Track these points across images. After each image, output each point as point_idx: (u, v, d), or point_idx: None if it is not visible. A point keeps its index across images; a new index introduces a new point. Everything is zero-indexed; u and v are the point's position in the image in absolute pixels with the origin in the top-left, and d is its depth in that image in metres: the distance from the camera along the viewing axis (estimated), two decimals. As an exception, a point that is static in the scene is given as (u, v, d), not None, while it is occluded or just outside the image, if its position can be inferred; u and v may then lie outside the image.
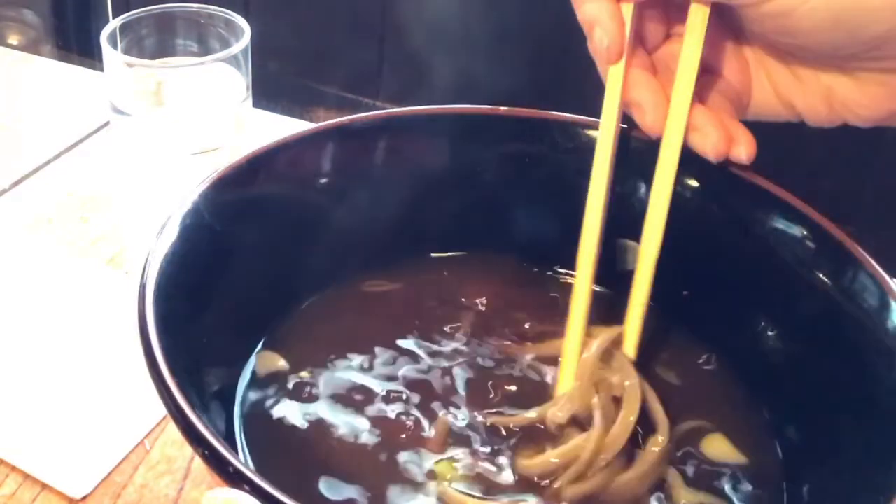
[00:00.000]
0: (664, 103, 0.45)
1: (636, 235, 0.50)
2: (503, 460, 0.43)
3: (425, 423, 0.44)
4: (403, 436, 0.44)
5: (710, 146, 0.45)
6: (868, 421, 0.41)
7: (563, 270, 0.53)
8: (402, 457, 0.43)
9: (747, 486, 0.43)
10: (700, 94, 0.46)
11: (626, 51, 0.45)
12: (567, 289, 0.49)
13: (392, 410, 0.45)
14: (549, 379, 0.47)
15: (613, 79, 0.45)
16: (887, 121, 0.44)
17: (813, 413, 0.44)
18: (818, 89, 0.44)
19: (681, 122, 0.45)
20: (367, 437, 0.44)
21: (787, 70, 0.45)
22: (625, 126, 0.49)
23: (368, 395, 0.45)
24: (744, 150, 0.45)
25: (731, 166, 0.47)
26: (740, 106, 0.47)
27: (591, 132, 0.50)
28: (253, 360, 0.47)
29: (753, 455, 0.44)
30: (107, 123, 0.73)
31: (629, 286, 0.51)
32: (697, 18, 0.44)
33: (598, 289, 0.51)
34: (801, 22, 0.40)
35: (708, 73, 0.47)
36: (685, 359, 0.49)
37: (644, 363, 0.48)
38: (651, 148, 0.49)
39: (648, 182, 0.49)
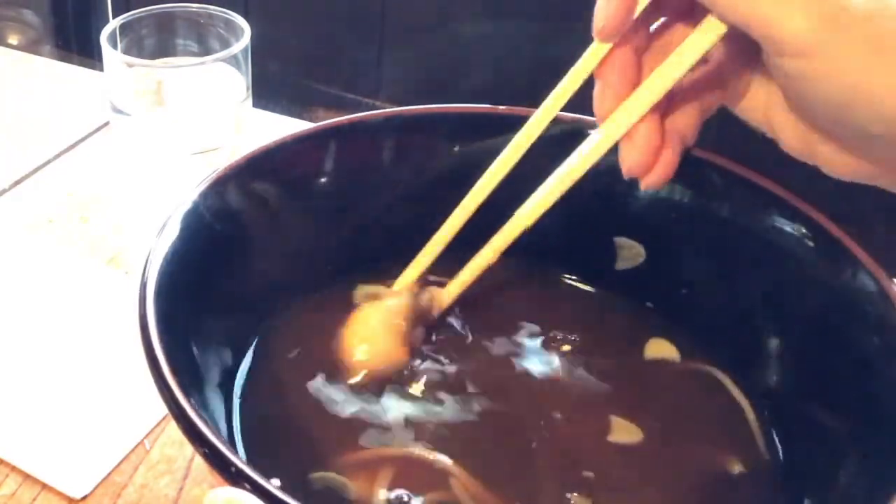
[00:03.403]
0: (624, 98, 0.44)
1: (633, 234, 0.51)
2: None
3: (423, 421, 0.44)
4: (402, 433, 0.44)
5: (628, 162, 0.44)
6: (868, 420, 0.41)
7: (561, 269, 0.53)
8: (404, 455, 0.43)
9: (747, 488, 0.43)
10: (686, 80, 0.44)
11: (622, 33, 0.43)
12: (570, 290, 0.49)
13: (393, 407, 0.45)
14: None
15: (595, 51, 0.44)
16: (855, 180, 0.43)
17: (812, 412, 0.44)
18: (802, 131, 0.43)
19: (625, 121, 0.43)
20: (368, 436, 0.44)
21: (783, 99, 0.43)
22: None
23: (368, 393, 0.45)
24: (653, 180, 0.44)
25: (731, 165, 0.48)
26: (731, 100, 0.45)
27: (590, 131, 0.50)
28: (253, 358, 0.47)
29: (752, 455, 0.44)
30: (107, 123, 0.73)
31: (627, 285, 0.51)
32: (706, 35, 0.41)
33: (594, 289, 0.52)
34: (812, 93, 0.39)
35: (710, 63, 0.45)
36: (682, 358, 0.49)
37: (642, 361, 0.48)
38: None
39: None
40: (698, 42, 0.41)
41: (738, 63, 0.44)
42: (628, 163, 0.44)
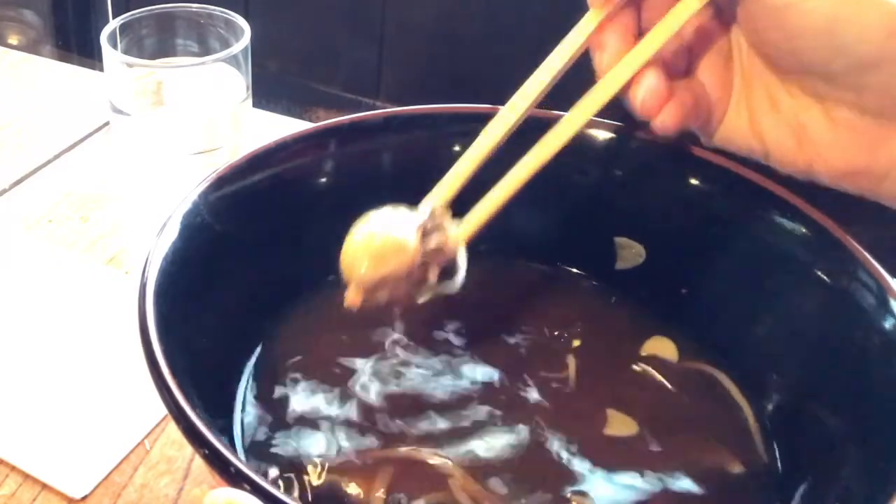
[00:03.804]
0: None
1: (634, 234, 0.51)
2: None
3: (423, 420, 0.44)
4: (402, 433, 0.44)
5: (639, 97, 0.44)
6: (868, 420, 0.41)
7: (561, 269, 0.53)
8: (402, 456, 0.43)
9: (745, 488, 0.43)
10: (672, 88, 0.45)
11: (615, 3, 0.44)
12: (570, 290, 0.49)
13: (391, 408, 0.45)
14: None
15: (589, 19, 0.45)
16: (850, 178, 0.44)
17: (812, 412, 0.44)
18: (792, 124, 0.44)
19: (630, 67, 0.44)
20: (368, 435, 0.44)
21: (766, 98, 0.45)
22: (623, 124, 0.49)
23: (368, 393, 0.45)
24: (666, 118, 0.45)
25: (731, 165, 0.48)
26: (710, 121, 0.46)
27: (590, 131, 0.50)
28: (253, 358, 0.47)
29: (751, 455, 0.44)
30: (107, 123, 0.73)
31: (627, 285, 0.51)
32: None
33: (594, 288, 0.52)
34: (798, 20, 0.40)
35: (690, 77, 0.46)
36: (682, 357, 0.49)
37: (642, 360, 0.48)
38: (648, 147, 0.49)
39: (646, 181, 0.50)
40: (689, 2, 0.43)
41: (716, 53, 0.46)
42: (639, 97, 0.45)
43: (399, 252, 0.41)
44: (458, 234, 0.44)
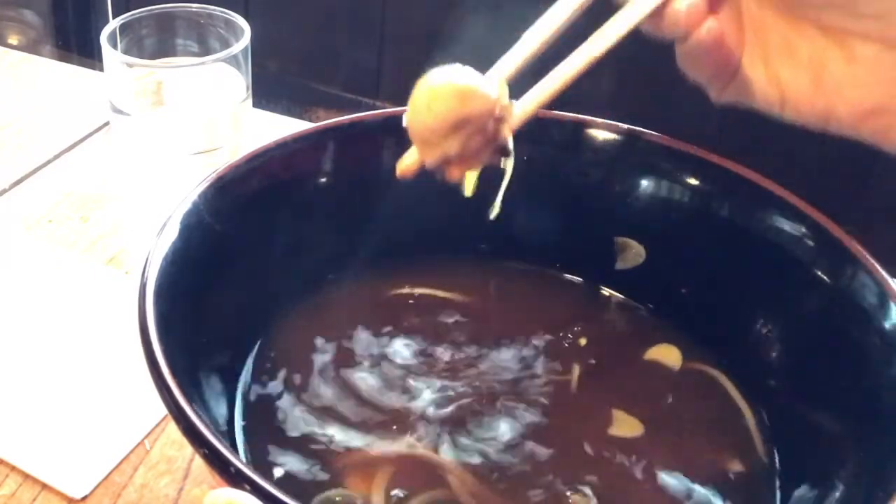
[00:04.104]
0: None
1: (634, 234, 0.51)
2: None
3: (423, 419, 0.44)
4: (402, 432, 0.44)
5: (685, 6, 0.42)
6: (867, 420, 0.41)
7: (562, 269, 0.53)
8: (403, 454, 0.43)
9: (746, 488, 0.43)
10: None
11: None
12: (570, 290, 0.49)
13: (390, 407, 0.45)
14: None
15: None
16: (871, 119, 0.42)
17: (811, 412, 0.44)
18: (810, 68, 0.42)
19: None
20: (368, 433, 0.44)
21: (782, 44, 0.43)
22: (626, 126, 0.49)
23: (368, 392, 0.46)
24: (709, 29, 0.42)
25: (731, 165, 0.48)
26: (725, 68, 0.44)
27: (590, 131, 0.50)
28: (253, 359, 0.47)
29: (751, 456, 0.44)
30: (107, 123, 0.73)
31: (627, 285, 0.51)
32: None
33: (594, 289, 0.52)
34: None
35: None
36: (681, 358, 0.49)
37: (642, 362, 0.48)
38: (648, 147, 0.49)
39: (646, 181, 0.50)
40: None
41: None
42: (685, 7, 0.42)
43: (483, 97, 0.39)
44: (511, 120, 0.41)
